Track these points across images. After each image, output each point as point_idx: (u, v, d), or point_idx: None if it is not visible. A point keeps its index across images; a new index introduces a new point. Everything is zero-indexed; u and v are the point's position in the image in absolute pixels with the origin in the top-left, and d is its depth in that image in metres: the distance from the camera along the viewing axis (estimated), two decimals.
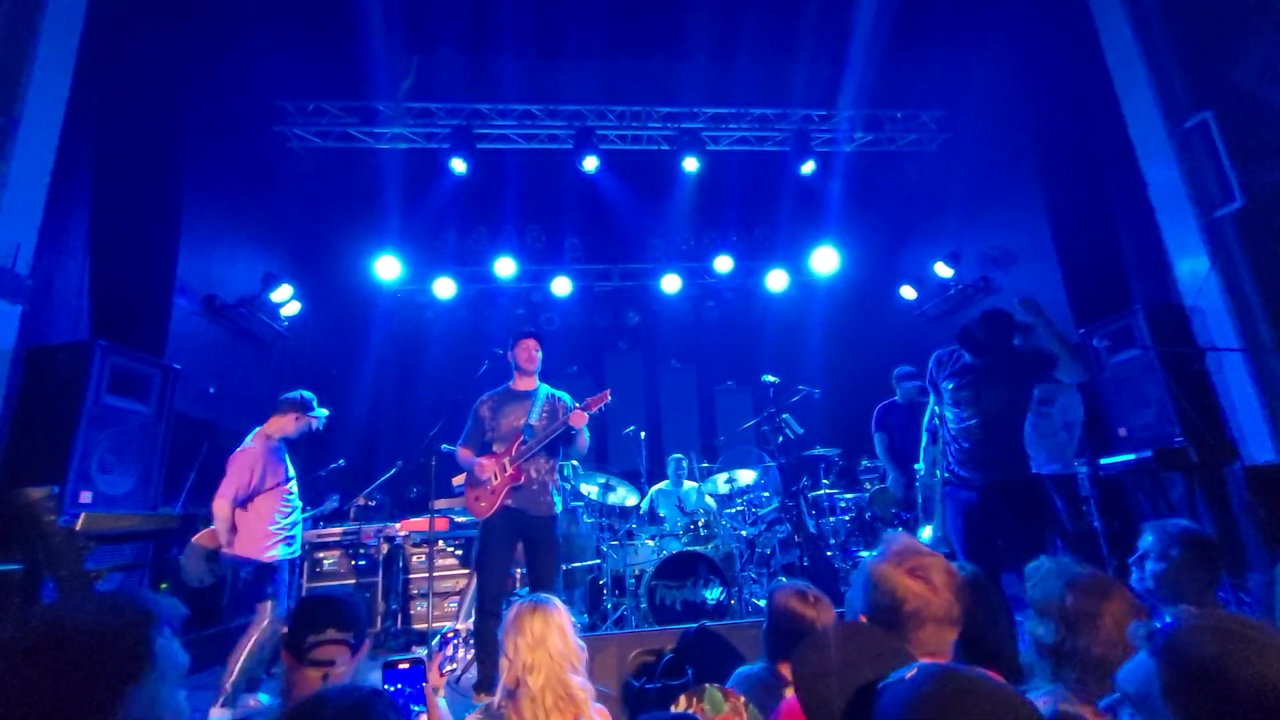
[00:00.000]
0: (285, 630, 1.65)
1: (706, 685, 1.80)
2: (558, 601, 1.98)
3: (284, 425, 3.94)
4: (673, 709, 1.83)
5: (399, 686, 1.46)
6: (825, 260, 8.13)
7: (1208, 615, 0.91)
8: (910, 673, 0.81)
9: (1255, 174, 4.21)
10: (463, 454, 3.80)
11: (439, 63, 6.52)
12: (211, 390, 5.63)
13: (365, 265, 7.73)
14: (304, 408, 4.01)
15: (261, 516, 3.67)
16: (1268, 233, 4.16)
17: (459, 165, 6.62)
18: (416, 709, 1.46)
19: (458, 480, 5.68)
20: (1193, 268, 4.38)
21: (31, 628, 0.76)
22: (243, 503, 3.63)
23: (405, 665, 1.50)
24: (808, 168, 7.00)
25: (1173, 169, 4.49)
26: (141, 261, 4.81)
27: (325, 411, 4.12)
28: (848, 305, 8.84)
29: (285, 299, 6.60)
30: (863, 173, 7.84)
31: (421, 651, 4.75)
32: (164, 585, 4.02)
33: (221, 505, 3.55)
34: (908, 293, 7.64)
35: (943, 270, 6.93)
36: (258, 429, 3.92)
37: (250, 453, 3.72)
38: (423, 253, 8.23)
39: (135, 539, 3.58)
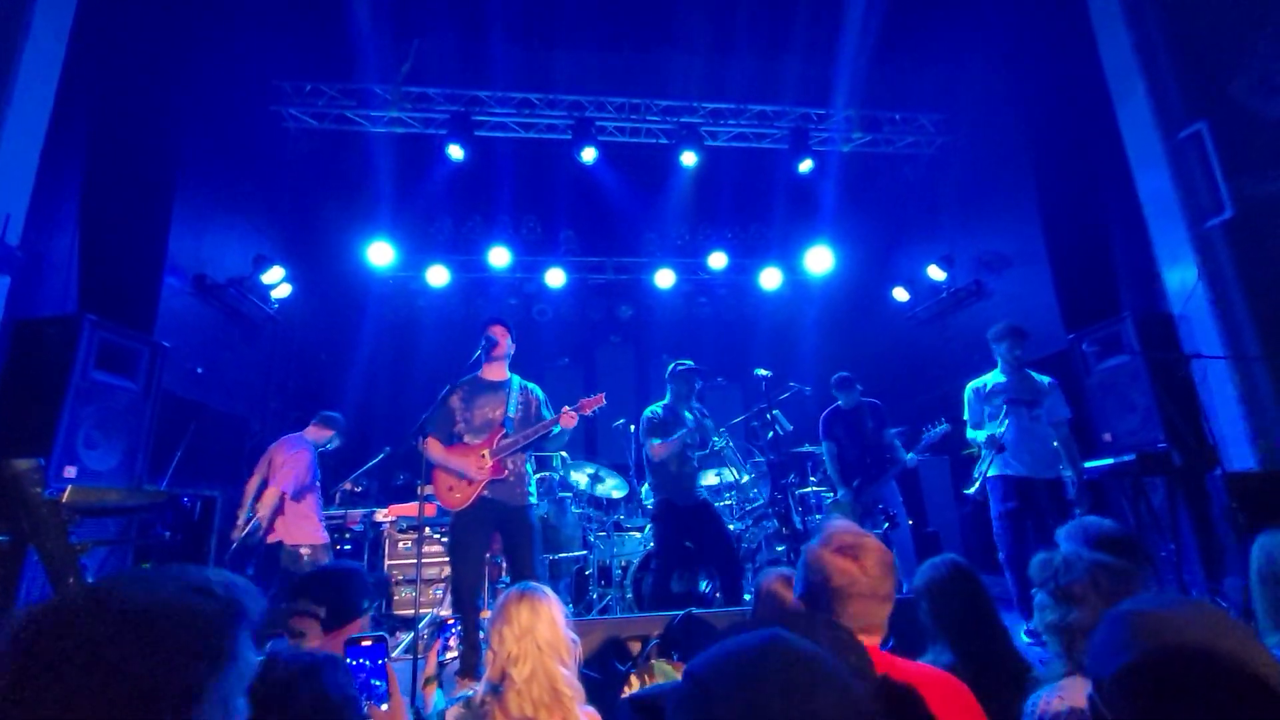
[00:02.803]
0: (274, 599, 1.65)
1: (654, 660, 1.80)
2: (548, 590, 1.91)
3: (320, 436, 4.73)
4: (625, 690, 1.83)
5: (361, 661, 1.47)
6: (819, 260, 8.16)
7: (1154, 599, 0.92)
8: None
9: (1247, 185, 4.27)
10: (436, 449, 3.64)
11: (438, 48, 6.48)
12: (200, 370, 5.58)
13: (358, 250, 7.68)
14: (340, 427, 4.86)
15: (312, 507, 4.42)
16: (1256, 244, 4.22)
17: (456, 152, 6.58)
18: (378, 683, 1.46)
19: None
20: (1182, 277, 4.43)
21: (114, 596, 0.66)
22: (296, 496, 4.30)
23: (368, 642, 1.50)
24: (805, 166, 7.01)
25: (1165, 178, 4.54)
26: (132, 237, 4.75)
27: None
28: (840, 305, 8.88)
29: (276, 281, 6.54)
30: (859, 173, 7.87)
31: (406, 637, 4.74)
32: (146, 565, 3.99)
33: (274, 494, 4.20)
34: (900, 294, 7.68)
35: (936, 273, 6.97)
36: (301, 433, 4.65)
37: (307, 454, 4.49)
38: (416, 239, 8.19)
39: (120, 514, 3.55)
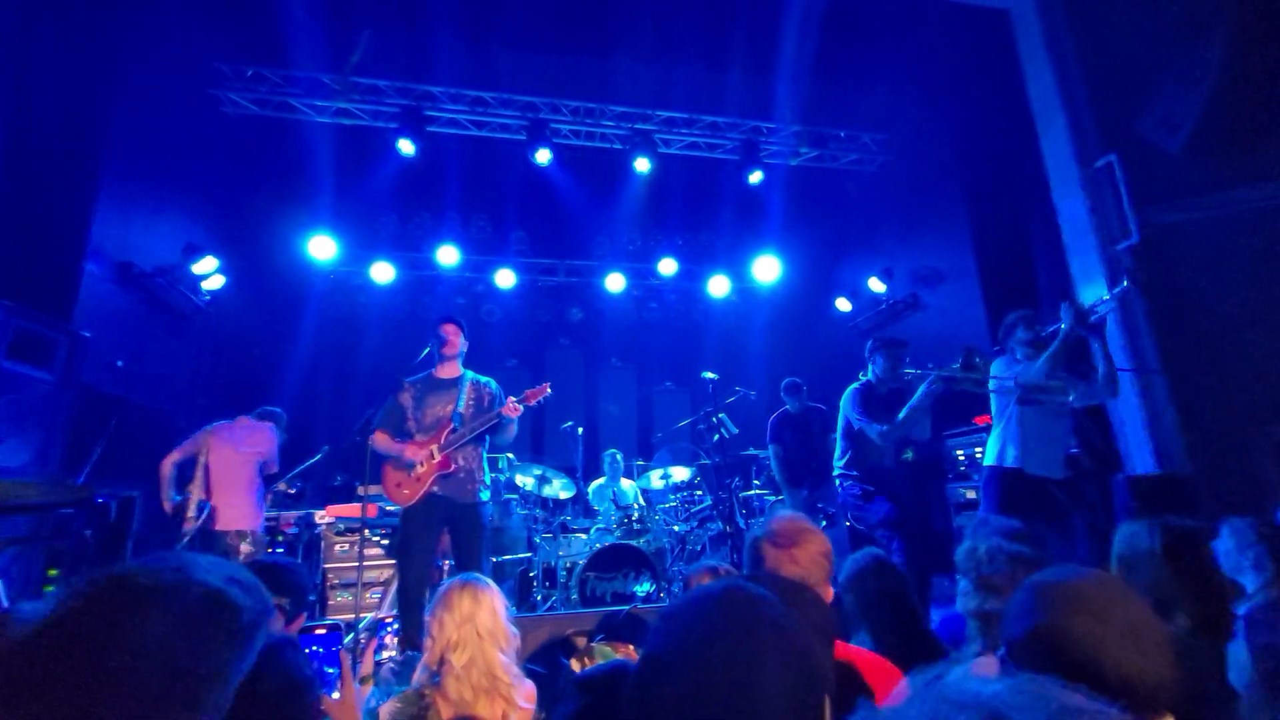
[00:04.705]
0: None
1: (593, 644, 1.84)
2: (490, 581, 1.94)
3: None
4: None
5: (314, 649, 1.46)
6: (767, 269, 8.38)
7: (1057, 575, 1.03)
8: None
9: (1150, 215, 4.67)
10: (382, 440, 3.60)
11: (390, 40, 6.33)
12: (120, 364, 5.26)
13: (298, 242, 7.41)
14: (284, 424, 4.89)
15: (260, 493, 4.50)
16: (1158, 268, 4.62)
17: (407, 147, 6.46)
18: (330, 671, 1.45)
19: None
20: (1094, 295, 4.80)
21: (146, 577, 0.67)
22: (252, 479, 4.41)
23: (322, 630, 1.49)
24: (755, 177, 7.21)
25: (1081, 204, 4.91)
26: (51, 221, 4.45)
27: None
28: (786, 313, 9.14)
29: (208, 272, 6.25)
30: (805, 187, 8.13)
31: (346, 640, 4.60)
32: (53, 572, 3.73)
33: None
34: (843, 305, 7.98)
35: (876, 285, 7.29)
36: (263, 420, 4.69)
37: (275, 435, 4.65)
38: (361, 234, 7.97)
39: (39, 511, 3.30)
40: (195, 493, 4.23)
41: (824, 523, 4.81)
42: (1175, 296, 4.50)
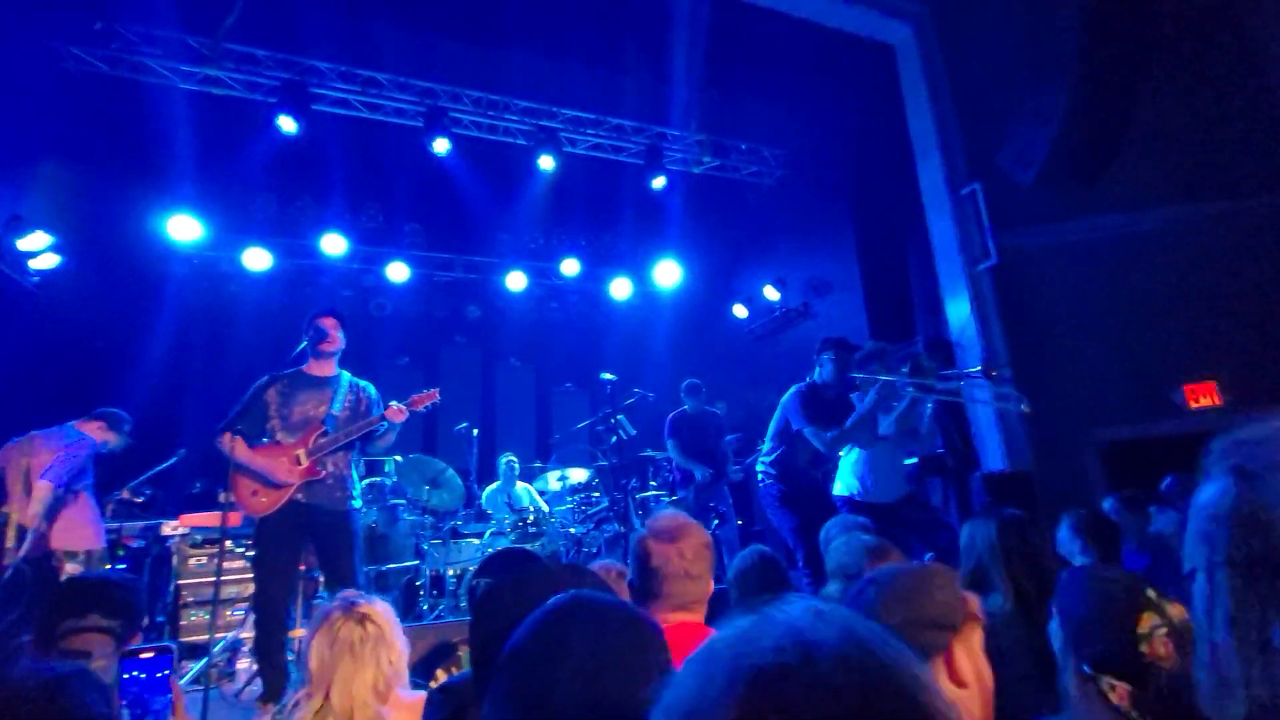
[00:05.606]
0: (39, 615, 1.35)
1: (460, 652, 1.78)
2: (376, 600, 1.76)
3: (102, 437, 4.23)
4: (431, 685, 1.81)
5: (136, 674, 1.27)
6: (668, 273, 8.52)
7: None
8: None
9: (1006, 239, 5.20)
10: (241, 450, 3.19)
11: (273, 7, 5.82)
12: None
13: (155, 222, 6.62)
14: (126, 428, 4.38)
15: (91, 508, 4.04)
16: (1011, 287, 5.15)
17: (288, 124, 5.96)
18: (158, 700, 1.27)
19: None
20: (958, 310, 5.27)
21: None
22: (72, 494, 3.88)
23: (149, 653, 1.30)
24: (659, 182, 7.30)
25: (950, 226, 5.39)
26: None
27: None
28: (686, 318, 9.31)
29: (39, 249, 5.46)
30: (707, 195, 8.35)
31: (194, 666, 4.14)
32: None
33: (45, 489, 3.70)
34: (740, 311, 8.26)
35: (771, 293, 7.61)
36: (78, 424, 4.13)
37: (87, 448, 4.02)
38: (232, 216, 7.24)
39: None
40: (15, 515, 3.63)
41: (716, 522, 4.93)
42: (1025, 312, 5.03)
